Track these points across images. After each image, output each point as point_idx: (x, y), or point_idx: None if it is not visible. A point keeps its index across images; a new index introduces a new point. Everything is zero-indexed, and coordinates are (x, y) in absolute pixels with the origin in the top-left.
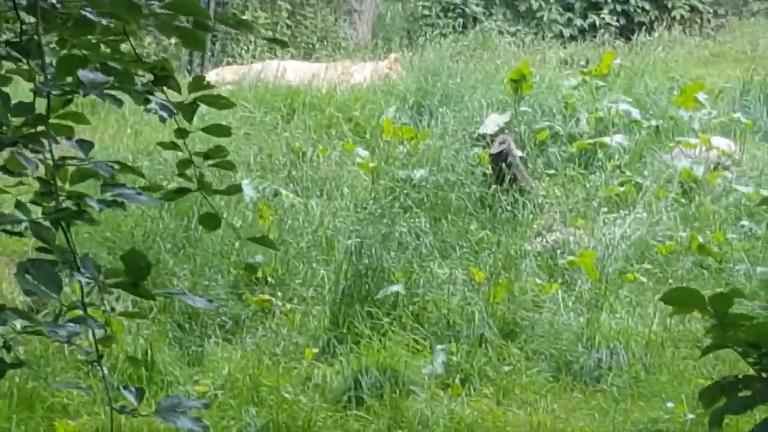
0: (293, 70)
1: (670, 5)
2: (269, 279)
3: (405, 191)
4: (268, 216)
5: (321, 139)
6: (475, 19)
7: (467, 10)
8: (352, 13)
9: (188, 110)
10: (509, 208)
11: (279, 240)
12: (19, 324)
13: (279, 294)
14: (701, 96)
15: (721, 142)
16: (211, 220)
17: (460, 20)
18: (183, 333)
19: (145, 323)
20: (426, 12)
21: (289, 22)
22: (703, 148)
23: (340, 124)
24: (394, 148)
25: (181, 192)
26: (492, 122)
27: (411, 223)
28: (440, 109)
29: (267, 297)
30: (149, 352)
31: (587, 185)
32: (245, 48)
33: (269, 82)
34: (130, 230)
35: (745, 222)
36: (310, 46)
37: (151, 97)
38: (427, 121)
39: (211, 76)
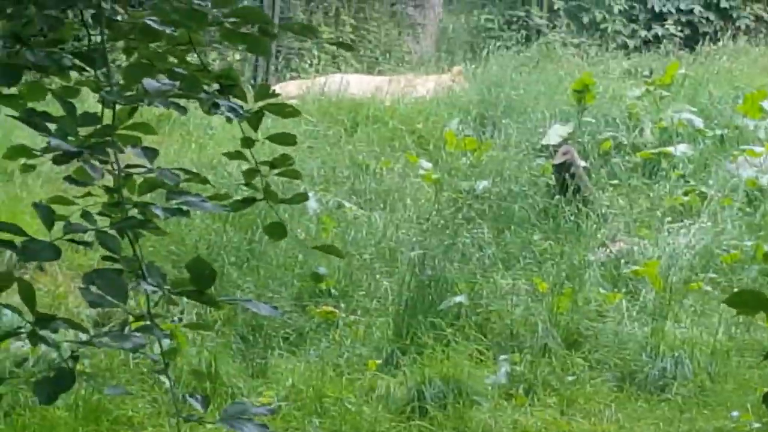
0: (356, 84)
1: (734, 15)
2: (333, 291)
3: (468, 202)
4: (331, 228)
5: (384, 151)
6: (538, 32)
7: (531, 22)
8: (415, 27)
9: (254, 119)
10: (573, 218)
11: (342, 252)
12: (84, 337)
13: (342, 306)
14: (766, 104)
15: None
16: (276, 230)
17: (524, 32)
18: (247, 345)
19: (209, 335)
20: (489, 25)
21: (353, 37)
22: None
23: (404, 136)
24: (457, 160)
25: (248, 201)
26: (555, 133)
27: (474, 234)
28: (503, 121)
29: (330, 309)
30: (213, 364)
31: (651, 195)
32: (309, 62)
33: (333, 95)
34: (194, 244)
35: None
36: (374, 59)
37: (218, 101)
38: (491, 133)
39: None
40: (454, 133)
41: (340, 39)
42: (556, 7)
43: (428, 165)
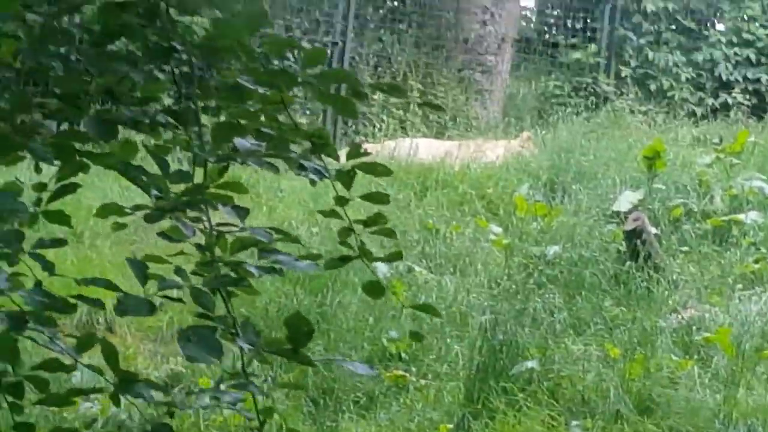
0: (426, 148)
1: None
2: (403, 355)
3: (539, 268)
4: (401, 292)
5: (454, 216)
6: (606, 99)
7: (598, 89)
8: (482, 93)
9: (346, 178)
10: (644, 284)
11: (413, 316)
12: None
13: (413, 370)
14: None
15: None
16: (375, 289)
17: (592, 99)
18: (317, 408)
19: (280, 397)
20: (557, 91)
21: (419, 101)
22: None
23: (473, 201)
24: (527, 225)
25: (343, 260)
26: (626, 199)
27: (545, 300)
28: (573, 187)
29: (401, 372)
30: (284, 426)
31: (722, 262)
32: (377, 127)
33: (402, 159)
34: (264, 306)
35: None
36: (442, 124)
37: (305, 163)
38: (561, 198)
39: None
40: (525, 198)
41: (410, 104)
42: (623, 75)
43: (498, 230)
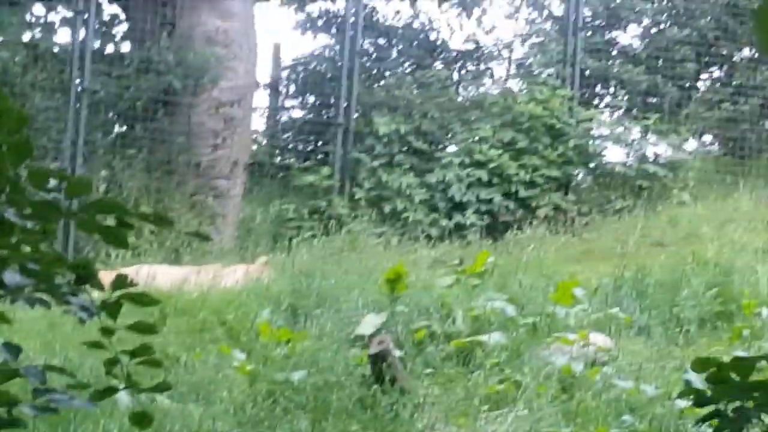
0: (163, 275)
1: (534, 204)
2: None
3: (285, 393)
4: (145, 423)
5: (195, 343)
6: (341, 222)
7: (333, 212)
8: (215, 217)
9: (113, 309)
10: (390, 408)
11: None
12: None
13: None
14: (576, 292)
15: (597, 338)
16: (142, 419)
17: (327, 222)
18: None
19: None
20: (292, 215)
21: (152, 227)
22: (581, 344)
23: (214, 327)
24: (271, 351)
25: (109, 392)
26: (369, 323)
27: (292, 426)
28: (316, 311)
29: None
30: None
31: (467, 384)
32: (114, 253)
33: (139, 286)
34: None
35: (626, 417)
36: (177, 251)
37: (71, 299)
38: (303, 323)
39: None
40: (267, 323)
41: (142, 229)
42: (357, 197)
43: (242, 356)
